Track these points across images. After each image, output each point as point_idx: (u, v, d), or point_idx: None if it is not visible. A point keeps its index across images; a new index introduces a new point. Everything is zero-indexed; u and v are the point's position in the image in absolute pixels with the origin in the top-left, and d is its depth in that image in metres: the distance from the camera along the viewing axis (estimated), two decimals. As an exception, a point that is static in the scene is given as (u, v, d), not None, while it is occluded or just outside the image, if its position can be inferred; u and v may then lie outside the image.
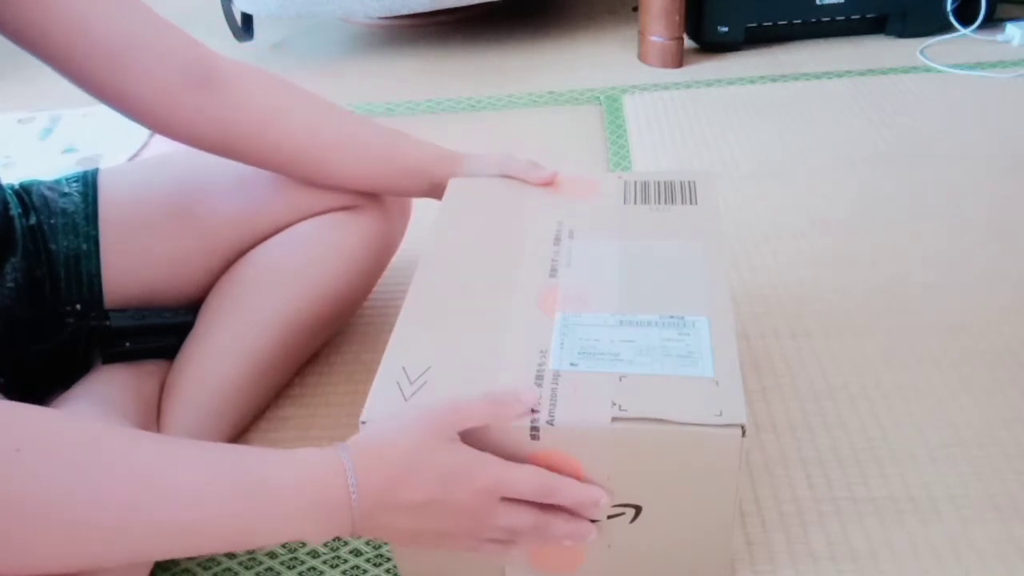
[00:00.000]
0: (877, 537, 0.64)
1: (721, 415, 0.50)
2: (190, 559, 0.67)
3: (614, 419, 0.51)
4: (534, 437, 0.52)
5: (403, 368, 0.56)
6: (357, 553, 0.67)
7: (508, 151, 0.78)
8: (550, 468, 0.53)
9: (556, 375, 0.54)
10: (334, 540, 0.67)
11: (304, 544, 0.68)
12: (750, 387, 0.79)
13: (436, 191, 0.77)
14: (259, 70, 0.70)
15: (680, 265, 0.63)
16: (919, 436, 0.72)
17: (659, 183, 0.73)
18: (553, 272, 0.64)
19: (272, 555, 0.67)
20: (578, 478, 0.53)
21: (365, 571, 0.65)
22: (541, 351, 0.56)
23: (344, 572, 0.65)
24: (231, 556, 0.67)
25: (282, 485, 0.47)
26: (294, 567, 0.66)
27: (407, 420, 0.51)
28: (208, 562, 0.67)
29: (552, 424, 0.51)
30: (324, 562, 0.66)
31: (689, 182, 0.73)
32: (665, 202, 0.71)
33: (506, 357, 0.56)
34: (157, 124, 0.64)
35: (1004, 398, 0.75)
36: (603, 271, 0.63)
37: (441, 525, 0.51)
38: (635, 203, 0.71)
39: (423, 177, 0.77)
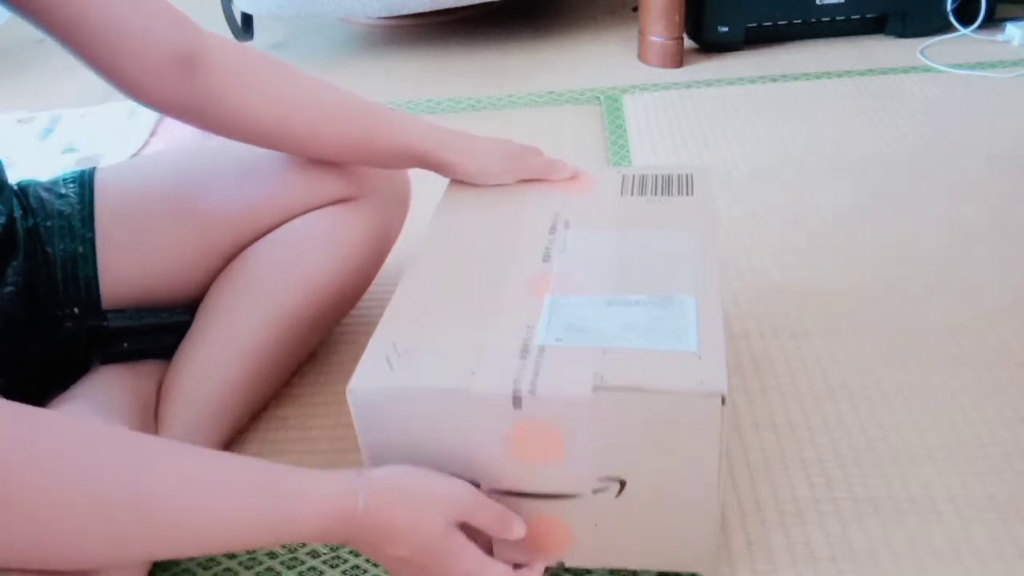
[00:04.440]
0: (877, 537, 0.64)
1: (702, 384, 0.51)
2: (190, 559, 0.67)
3: (595, 388, 0.51)
4: (516, 406, 0.52)
5: (393, 343, 0.57)
6: (357, 553, 0.67)
7: (509, 140, 0.78)
8: (530, 439, 0.54)
9: (541, 349, 0.55)
10: (333, 540, 0.68)
11: (304, 544, 0.68)
12: (750, 387, 0.79)
13: (426, 166, 0.76)
14: (246, 51, 0.70)
15: (671, 250, 0.64)
16: (919, 436, 0.72)
17: (656, 176, 0.74)
18: (546, 258, 0.64)
19: (272, 555, 0.67)
20: (559, 451, 0.54)
21: (365, 571, 0.65)
22: (528, 327, 0.57)
23: (344, 572, 0.65)
24: (231, 556, 0.67)
25: (308, 505, 0.51)
26: (294, 567, 0.66)
27: (423, 491, 0.54)
28: (208, 562, 0.67)
29: (534, 393, 0.52)
30: (324, 562, 0.66)
31: (686, 175, 0.74)
32: (662, 194, 0.72)
33: (493, 331, 0.57)
34: (141, 97, 0.66)
35: (1004, 398, 0.75)
36: (596, 257, 0.64)
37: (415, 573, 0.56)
38: (632, 195, 0.72)
39: (406, 161, 0.76)
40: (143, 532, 0.45)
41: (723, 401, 0.50)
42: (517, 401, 0.52)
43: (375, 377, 0.55)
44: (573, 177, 0.76)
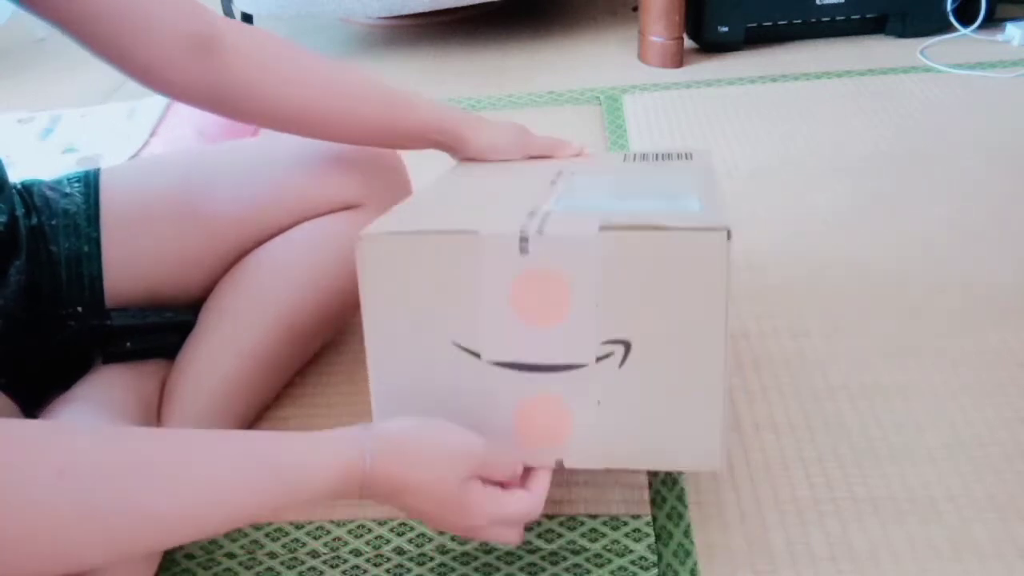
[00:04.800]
0: (877, 537, 0.64)
1: (706, 223, 0.52)
2: (190, 560, 0.67)
3: (602, 228, 0.52)
4: (523, 250, 0.53)
5: (404, 214, 0.61)
6: (357, 553, 0.67)
7: (521, 125, 0.80)
8: (536, 292, 0.54)
9: (548, 211, 0.57)
10: (334, 540, 0.68)
11: (304, 544, 0.68)
12: (750, 387, 0.79)
13: (442, 145, 0.78)
14: (262, 34, 0.70)
15: (673, 177, 0.67)
16: (919, 436, 0.72)
17: (657, 153, 0.78)
18: (553, 183, 0.67)
19: (272, 555, 0.67)
20: (564, 306, 0.54)
21: (365, 571, 0.65)
22: (537, 202, 0.60)
23: (344, 572, 0.66)
24: (231, 556, 0.67)
25: (313, 475, 0.50)
26: (294, 567, 0.66)
27: (435, 450, 0.54)
28: (208, 562, 0.67)
29: (541, 234, 0.53)
30: (324, 562, 0.66)
31: (686, 152, 0.78)
32: (662, 160, 0.75)
33: (502, 204, 0.60)
34: (158, 86, 0.65)
35: (1004, 398, 0.75)
36: (600, 183, 0.67)
37: (434, 524, 0.57)
38: (634, 162, 0.76)
39: (423, 142, 0.77)
40: (143, 531, 0.45)
41: (728, 236, 0.51)
42: (524, 244, 0.53)
43: (385, 227, 0.56)
44: (579, 154, 0.79)
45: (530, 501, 0.57)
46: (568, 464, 0.58)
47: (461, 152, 0.78)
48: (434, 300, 0.56)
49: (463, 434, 0.55)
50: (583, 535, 0.66)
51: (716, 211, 0.55)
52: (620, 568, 0.63)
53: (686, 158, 0.75)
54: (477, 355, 0.56)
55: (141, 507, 0.44)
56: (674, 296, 0.53)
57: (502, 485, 0.58)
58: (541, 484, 0.58)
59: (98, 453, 0.44)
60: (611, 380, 0.55)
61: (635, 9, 1.57)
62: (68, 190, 0.74)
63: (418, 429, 0.55)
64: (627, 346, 0.55)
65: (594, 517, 0.67)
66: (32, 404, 0.70)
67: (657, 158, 0.76)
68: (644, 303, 0.53)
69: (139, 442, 0.47)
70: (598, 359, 0.55)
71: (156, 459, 0.46)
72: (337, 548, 0.67)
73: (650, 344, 0.54)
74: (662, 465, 0.59)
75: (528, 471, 0.59)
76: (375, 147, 0.79)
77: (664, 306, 0.53)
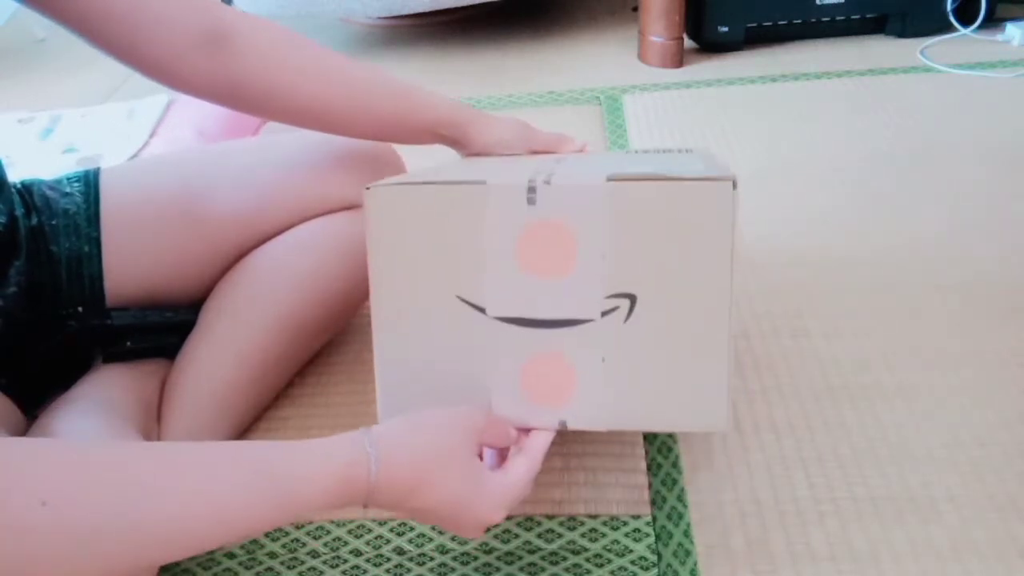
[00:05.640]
0: (877, 537, 0.64)
1: (713, 175, 0.53)
2: (190, 559, 0.67)
3: (609, 178, 0.53)
4: (531, 200, 0.54)
5: (412, 174, 0.61)
6: (357, 553, 0.67)
7: (523, 121, 0.79)
8: (542, 244, 0.54)
9: (555, 171, 0.57)
10: (334, 540, 0.68)
11: (304, 544, 0.68)
12: (750, 387, 0.79)
13: (447, 140, 0.78)
14: (272, 27, 0.70)
15: (676, 157, 0.68)
16: (919, 436, 0.72)
17: (659, 148, 0.81)
18: (558, 162, 0.67)
19: (272, 555, 0.67)
20: (571, 258, 0.54)
21: (365, 571, 0.65)
22: (544, 168, 0.60)
23: (344, 572, 0.66)
24: (231, 556, 0.67)
25: (313, 483, 0.49)
26: (294, 567, 0.66)
27: (437, 427, 0.54)
28: (208, 562, 0.67)
29: (549, 184, 0.53)
30: (324, 562, 0.66)
31: (686, 148, 0.79)
32: (664, 152, 0.77)
33: (510, 169, 0.60)
34: (167, 80, 0.65)
35: (1004, 398, 0.75)
36: (604, 161, 0.67)
37: (443, 525, 0.56)
38: (636, 154, 0.78)
39: (431, 136, 0.77)
40: (137, 551, 0.43)
41: (734, 185, 0.51)
42: (531, 194, 0.54)
43: (393, 181, 0.57)
44: (582, 150, 0.80)
45: (528, 465, 0.56)
46: (572, 425, 0.58)
47: (467, 148, 0.78)
48: (440, 253, 0.56)
49: (457, 409, 0.55)
50: (583, 535, 0.66)
51: (720, 168, 0.56)
52: (620, 568, 0.63)
53: (687, 152, 0.77)
54: (482, 310, 0.56)
55: (133, 528, 0.42)
56: (680, 247, 0.53)
57: (502, 455, 0.58)
58: (538, 443, 0.58)
59: (85, 474, 0.42)
60: (616, 336, 0.55)
61: (635, 9, 1.57)
62: (68, 190, 0.74)
63: (418, 426, 0.54)
64: (632, 300, 0.55)
65: (594, 517, 0.67)
66: (32, 404, 0.70)
67: (659, 151, 0.78)
68: (650, 255, 0.54)
69: (129, 459, 0.45)
70: (603, 314, 0.55)
71: (147, 477, 0.44)
72: (337, 548, 0.67)
73: (655, 298, 0.54)
74: (667, 426, 0.58)
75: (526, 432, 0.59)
76: (381, 140, 0.79)
77: (670, 258, 0.54)
